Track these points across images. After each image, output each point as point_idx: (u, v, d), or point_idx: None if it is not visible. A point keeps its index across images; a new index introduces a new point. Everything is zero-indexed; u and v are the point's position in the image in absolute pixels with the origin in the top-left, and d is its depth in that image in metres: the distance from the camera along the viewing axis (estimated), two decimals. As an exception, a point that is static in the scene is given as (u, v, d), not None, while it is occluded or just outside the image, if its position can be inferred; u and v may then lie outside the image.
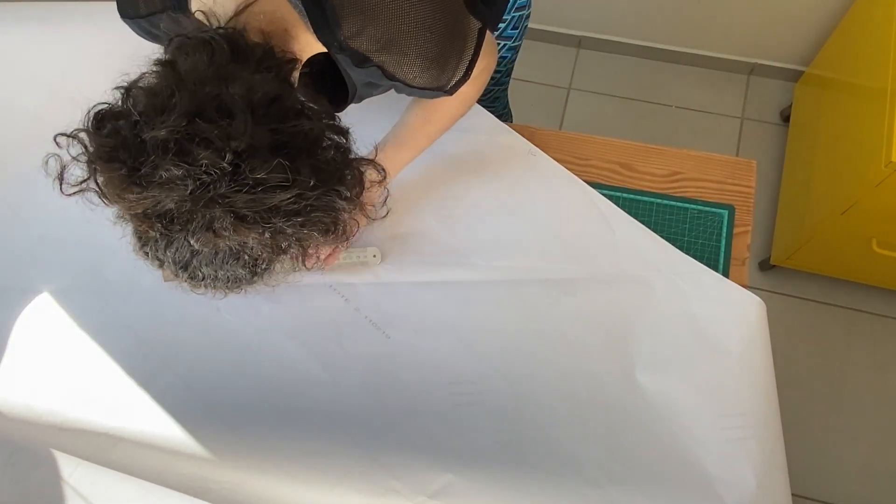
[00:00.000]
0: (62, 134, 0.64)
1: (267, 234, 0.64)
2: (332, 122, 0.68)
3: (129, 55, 1.12)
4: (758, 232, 1.84)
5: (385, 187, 0.77)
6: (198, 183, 0.59)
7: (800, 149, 1.78)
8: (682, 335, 0.94)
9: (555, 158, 1.08)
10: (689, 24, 1.92)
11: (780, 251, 1.70)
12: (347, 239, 0.74)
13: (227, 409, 0.91)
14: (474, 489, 0.84)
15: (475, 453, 0.87)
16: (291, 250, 0.70)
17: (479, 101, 1.32)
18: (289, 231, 0.65)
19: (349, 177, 0.69)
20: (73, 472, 0.92)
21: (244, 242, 0.65)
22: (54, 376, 0.95)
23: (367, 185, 0.73)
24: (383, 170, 0.76)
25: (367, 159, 0.73)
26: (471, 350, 0.94)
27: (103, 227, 1.03)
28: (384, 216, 0.78)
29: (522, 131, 1.11)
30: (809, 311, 1.77)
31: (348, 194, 0.68)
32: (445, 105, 0.94)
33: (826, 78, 1.74)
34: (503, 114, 1.44)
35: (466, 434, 0.89)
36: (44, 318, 0.99)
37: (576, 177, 1.05)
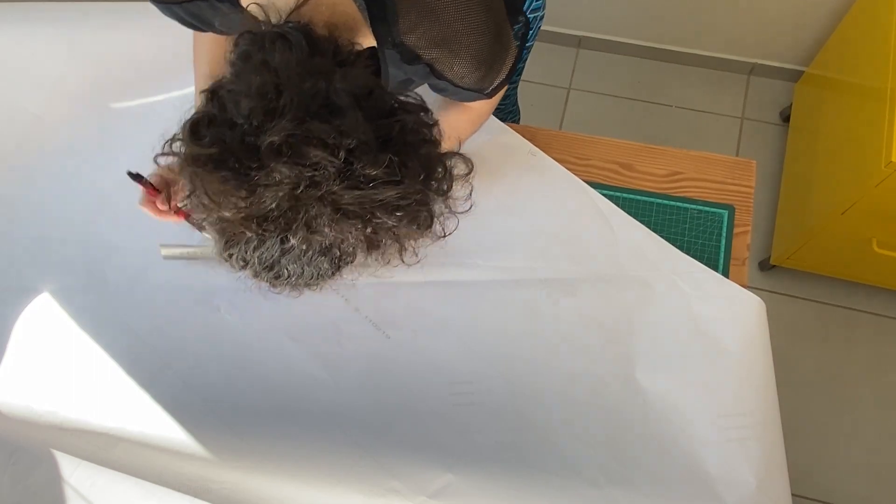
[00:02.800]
0: (161, 154, 0.63)
1: (368, 229, 0.63)
2: (423, 115, 0.67)
3: (127, 56, 1.13)
4: (758, 232, 1.84)
5: (470, 182, 0.76)
6: (308, 182, 0.58)
7: (800, 149, 1.78)
8: (683, 335, 0.94)
9: (555, 159, 1.08)
10: (690, 24, 1.92)
11: (781, 251, 1.70)
12: (445, 235, 0.73)
13: (226, 409, 0.91)
14: (474, 489, 0.84)
15: (475, 453, 0.87)
16: (386, 245, 0.68)
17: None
18: (389, 225, 0.64)
19: (442, 170, 0.68)
20: (74, 472, 0.92)
21: (341, 238, 0.64)
22: (54, 376, 0.95)
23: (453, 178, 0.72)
24: (471, 162, 0.74)
25: (455, 152, 0.72)
26: (471, 350, 0.94)
27: (103, 227, 1.05)
28: (468, 210, 0.76)
29: (523, 131, 1.11)
30: (809, 311, 1.77)
31: (444, 188, 0.68)
32: (462, 119, 0.93)
33: (826, 78, 1.74)
34: (512, 111, 1.45)
35: (466, 434, 0.89)
36: (43, 318, 0.99)
37: (576, 177, 1.05)
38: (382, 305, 0.98)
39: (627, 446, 0.87)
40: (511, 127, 1.11)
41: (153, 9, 0.80)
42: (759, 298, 0.95)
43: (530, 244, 1.00)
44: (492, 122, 1.09)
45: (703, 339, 0.93)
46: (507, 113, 1.44)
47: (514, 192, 1.04)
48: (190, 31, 0.86)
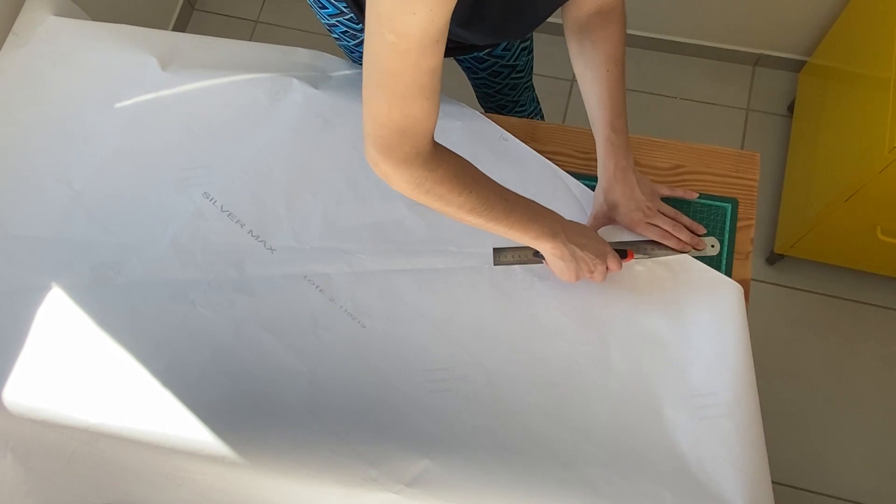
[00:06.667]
0: None
1: None
2: None
3: (124, 76, 1.14)
4: (763, 223, 1.82)
5: None
6: None
7: (804, 137, 1.76)
8: (656, 317, 0.94)
9: (557, 152, 1.07)
10: (694, 14, 1.91)
11: (785, 239, 1.69)
12: None
13: (205, 403, 0.91)
14: (451, 475, 0.85)
15: (451, 439, 0.88)
16: None
17: (507, 98, 1.36)
18: None
19: None
20: (70, 458, 0.93)
21: None
22: (30, 375, 0.95)
23: None
24: None
25: None
26: (446, 337, 0.95)
27: (78, 224, 1.05)
28: None
29: (525, 124, 1.10)
30: (816, 303, 1.76)
31: None
32: (621, 34, 0.93)
33: (829, 67, 1.73)
34: (534, 109, 1.45)
35: (442, 420, 0.89)
36: (17, 317, 0.99)
37: (549, 161, 1.05)
38: (358, 295, 0.98)
39: (601, 426, 0.88)
40: (511, 119, 1.10)
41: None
42: (734, 282, 0.96)
43: None
44: (463, 109, 1.10)
45: (676, 319, 0.94)
46: (530, 112, 1.44)
47: None
48: None
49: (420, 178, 0.75)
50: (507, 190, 0.84)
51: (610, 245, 0.94)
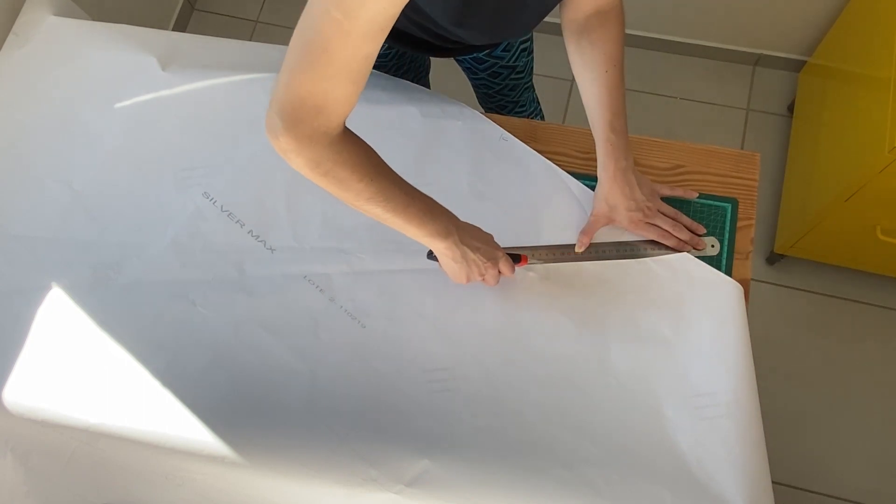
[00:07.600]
0: None
1: None
2: None
3: (124, 76, 1.14)
4: (764, 224, 1.82)
5: None
6: None
7: (804, 137, 1.76)
8: (657, 316, 0.95)
9: (557, 152, 1.07)
10: (694, 14, 1.91)
11: (785, 239, 1.69)
12: None
13: (205, 403, 0.91)
14: (450, 474, 0.85)
15: (451, 439, 0.88)
16: None
17: (507, 99, 1.36)
18: None
19: None
20: (70, 458, 0.93)
21: None
22: (30, 375, 0.95)
23: None
24: None
25: None
26: (445, 336, 0.95)
27: (78, 224, 1.05)
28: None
29: (525, 124, 1.10)
30: (817, 304, 1.76)
31: None
32: (620, 34, 0.94)
33: (829, 67, 1.73)
34: (535, 109, 1.45)
35: (442, 420, 0.89)
36: (17, 317, 0.99)
37: (548, 160, 1.05)
38: (358, 295, 0.98)
39: (601, 426, 0.88)
40: (513, 119, 1.10)
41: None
42: (735, 281, 0.96)
43: (503, 229, 1.00)
44: (463, 109, 1.10)
45: (677, 319, 0.94)
46: (531, 113, 1.45)
47: (485, 178, 1.04)
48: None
49: (321, 159, 0.73)
50: (409, 185, 0.83)
51: (504, 250, 0.94)
